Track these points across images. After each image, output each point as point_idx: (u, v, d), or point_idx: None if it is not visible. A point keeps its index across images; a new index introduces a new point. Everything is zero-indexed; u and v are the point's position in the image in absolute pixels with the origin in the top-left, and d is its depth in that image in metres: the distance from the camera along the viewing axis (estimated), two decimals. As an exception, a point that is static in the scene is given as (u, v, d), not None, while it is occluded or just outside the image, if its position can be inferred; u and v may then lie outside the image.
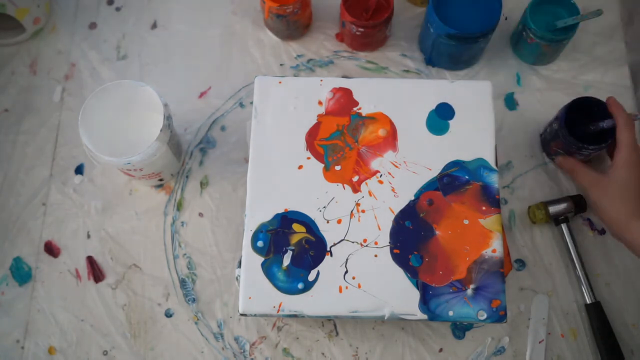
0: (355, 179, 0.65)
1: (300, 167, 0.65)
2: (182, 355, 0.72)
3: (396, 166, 0.65)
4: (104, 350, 0.73)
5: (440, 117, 0.66)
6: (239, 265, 0.63)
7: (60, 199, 0.79)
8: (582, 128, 0.72)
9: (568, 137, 0.70)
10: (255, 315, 0.62)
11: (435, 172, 0.65)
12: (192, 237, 0.77)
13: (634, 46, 0.84)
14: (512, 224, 0.76)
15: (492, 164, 0.65)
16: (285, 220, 0.63)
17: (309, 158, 0.65)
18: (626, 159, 0.65)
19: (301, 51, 0.85)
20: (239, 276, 0.63)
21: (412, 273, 0.61)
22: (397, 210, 0.63)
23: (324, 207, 0.64)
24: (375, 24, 0.77)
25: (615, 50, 0.83)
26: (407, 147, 0.66)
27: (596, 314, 0.70)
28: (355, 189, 0.64)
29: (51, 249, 0.77)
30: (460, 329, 0.72)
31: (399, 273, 0.61)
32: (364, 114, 0.67)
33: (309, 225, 0.63)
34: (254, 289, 0.61)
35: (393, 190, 0.64)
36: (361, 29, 0.78)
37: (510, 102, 0.81)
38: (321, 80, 0.68)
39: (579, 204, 0.74)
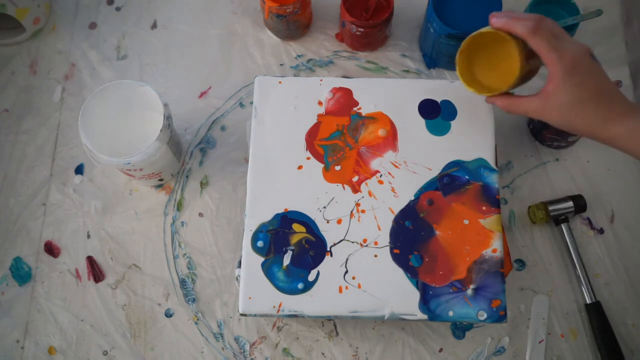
0: (355, 179, 0.65)
1: (300, 167, 0.65)
2: (182, 355, 0.72)
3: (396, 166, 0.65)
4: (104, 350, 0.73)
5: (441, 118, 0.66)
6: (239, 265, 0.63)
7: (60, 199, 0.79)
8: None
9: None
10: (255, 315, 0.62)
11: (435, 172, 0.65)
12: (192, 237, 0.77)
13: (634, 46, 0.84)
14: (512, 224, 0.76)
15: (492, 164, 0.65)
16: (285, 220, 0.63)
17: (308, 158, 0.65)
18: (561, 69, 0.56)
19: (301, 51, 0.85)
20: (239, 276, 0.63)
21: (412, 273, 0.61)
22: (397, 210, 0.63)
23: (324, 207, 0.64)
24: (375, 24, 0.77)
25: (615, 50, 0.83)
26: (407, 147, 0.66)
27: (596, 314, 0.70)
28: (355, 189, 0.64)
29: (51, 249, 0.77)
30: (460, 329, 0.72)
31: (399, 273, 0.62)
32: (364, 114, 0.67)
33: (309, 225, 0.63)
34: (254, 289, 0.61)
35: (393, 190, 0.64)
36: (361, 29, 0.78)
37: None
38: (321, 80, 0.68)
39: (579, 204, 0.74)
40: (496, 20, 0.58)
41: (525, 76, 0.61)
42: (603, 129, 0.57)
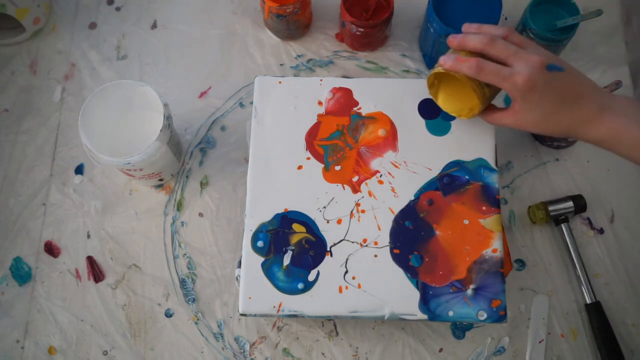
0: (355, 179, 0.65)
1: (300, 167, 0.65)
2: (182, 355, 0.72)
3: (396, 166, 0.65)
4: (104, 350, 0.73)
5: (441, 118, 0.66)
6: (239, 265, 0.63)
7: (60, 199, 0.79)
8: None
9: None
10: (255, 315, 0.62)
11: (435, 172, 0.65)
12: (192, 237, 0.77)
13: (634, 46, 0.84)
14: (512, 224, 0.76)
15: (492, 164, 0.65)
16: (285, 220, 0.63)
17: (308, 158, 0.65)
18: (517, 93, 0.57)
19: (301, 51, 0.85)
20: (239, 276, 0.63)
21: (412, 273, 0.61)
22: (397, 210, 0.63)
23: (324, 207, 0.64)
24: (375, 24, 0.77)
25: (615, 50, 0.83)
26: (407, 147, 0.66)
27: (596, 314, 0.70)
28: (355, 189, 0.64)
29: (51, 249, 0.77)
30: (460, 329, 0.72)
31: (399, 273, 0.61)
32: (364, 114, 0.67)
33: (309, 225, 0.63)
34: (254, 289, 0.61)
35: (393, 190, 0.64)
36: (361, 29, 0.78)
37: (510, 101, 0.81)
38: (321, 80, 0.68)
39: (579, 204, 0.74)
40: (444, 62, 0.59)
41: (492, 94, 0.62)
42: (582, 132, 0.58)
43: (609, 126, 0.56)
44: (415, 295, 0.61)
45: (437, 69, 0.60)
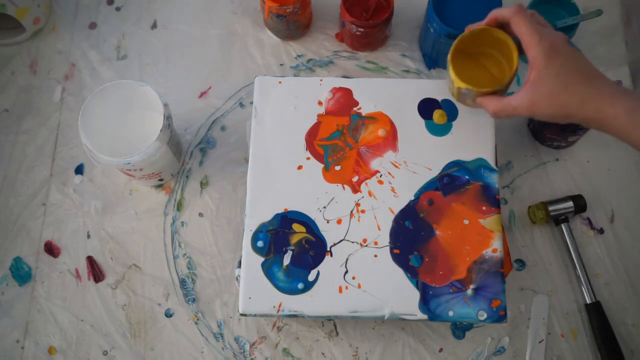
0: (355, 179, 0.65)
1: (300, 167, 0.65)
2: (182, 355, 0.72)
3: (396, 166, 0.65)
4: (104, 350, 0.73)
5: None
6: (239, 265, 0.63)
7: (60, 199, 0.79)
8: None
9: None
10: (255, 315, 0.62)
11: (435, 172, 0.65)
12: (192, 237, 0.77)
13: (634, 46, 0.84)
14: (512, 224, 0.76)
15: (492, 164, 0.65)
16: (285, 220, 0.63)
17: (308, 158, 0.65)
18: (541, 53, 0.56)
19: (301, 51, 0.85)
20: (239, 276, 0.63)
21: (412, 273, 0.61)
22: (397, 210, 0.63)
23: (324, 207, 0.64)
24: (375, 24, 0.77)
25: (615, 50, 0.83)
26: (407, 147, 0.66)
27: (596, 314, 0.70)
28: (355, 189, 0.64)
29: (51, 249, 0.77)
30: (460, 329, 0.72)
31: (399, 273, 0.62)
32: (364, 114, 0.67)
33: (309, 225, 0.63)
34: (254, 289, 0.62)
35: (393, 190, 0.64)
36: (361, 29, 0.78)
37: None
38: (321, 80, 0.68)
39: (579, 204, 0.74)
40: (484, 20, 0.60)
41: (513, 75, 0.60)
42: (599, 110, 0.54)
43: (626, 105, 0.53)
44: (415, 295, 0.61)
45: (475, 26, 0.60)
